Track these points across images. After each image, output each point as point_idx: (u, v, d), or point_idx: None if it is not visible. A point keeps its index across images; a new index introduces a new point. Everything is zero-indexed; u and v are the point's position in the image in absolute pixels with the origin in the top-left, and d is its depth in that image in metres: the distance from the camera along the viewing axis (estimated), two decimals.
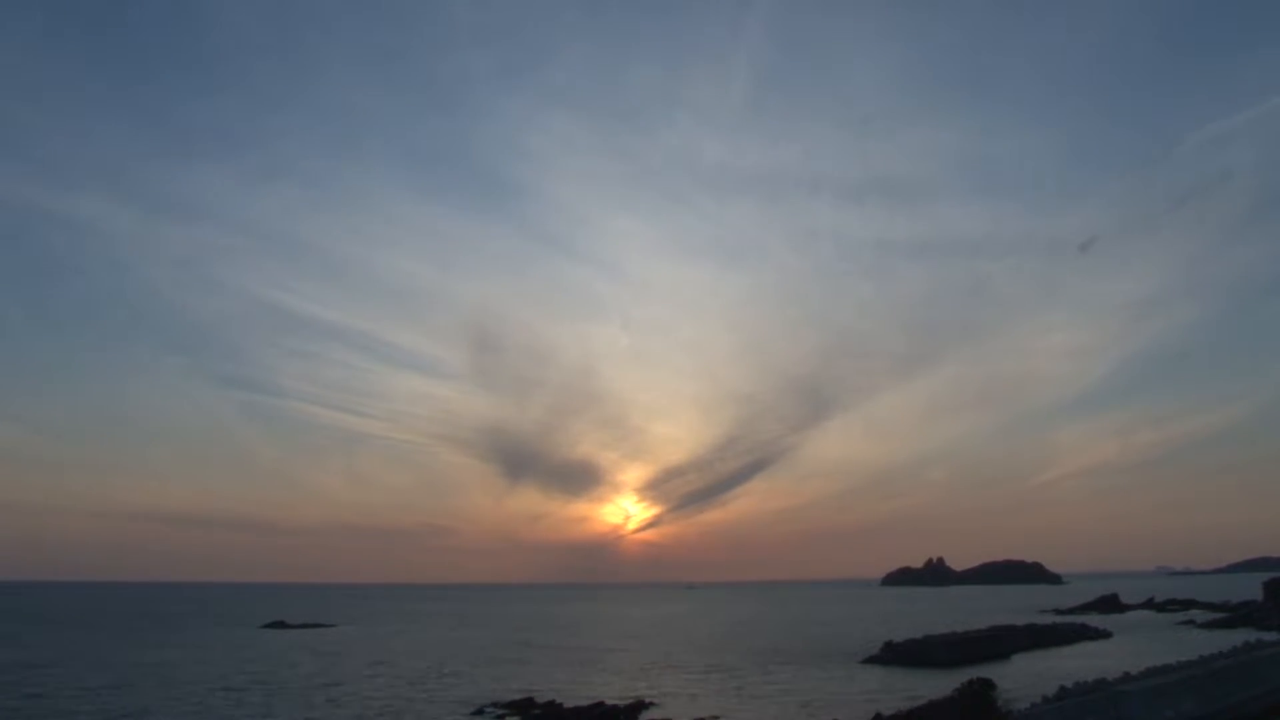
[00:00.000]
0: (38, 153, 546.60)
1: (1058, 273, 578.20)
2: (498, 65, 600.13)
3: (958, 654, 65.93)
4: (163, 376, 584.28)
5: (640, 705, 47.47)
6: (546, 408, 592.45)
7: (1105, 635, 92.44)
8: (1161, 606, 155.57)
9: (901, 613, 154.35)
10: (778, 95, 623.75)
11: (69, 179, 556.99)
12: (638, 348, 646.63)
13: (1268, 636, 68.93)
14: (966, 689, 30.45)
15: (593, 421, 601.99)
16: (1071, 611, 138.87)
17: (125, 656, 75.93)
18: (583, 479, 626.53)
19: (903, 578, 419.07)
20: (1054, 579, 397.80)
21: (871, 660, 68.56)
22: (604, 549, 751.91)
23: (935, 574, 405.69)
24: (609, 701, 48.13)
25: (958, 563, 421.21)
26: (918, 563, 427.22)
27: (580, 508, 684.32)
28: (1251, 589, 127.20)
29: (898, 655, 67.69)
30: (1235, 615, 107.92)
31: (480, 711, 46.64)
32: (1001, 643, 74.53)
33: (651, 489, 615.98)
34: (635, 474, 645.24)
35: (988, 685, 30.95)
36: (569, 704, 47.44)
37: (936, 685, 42.56)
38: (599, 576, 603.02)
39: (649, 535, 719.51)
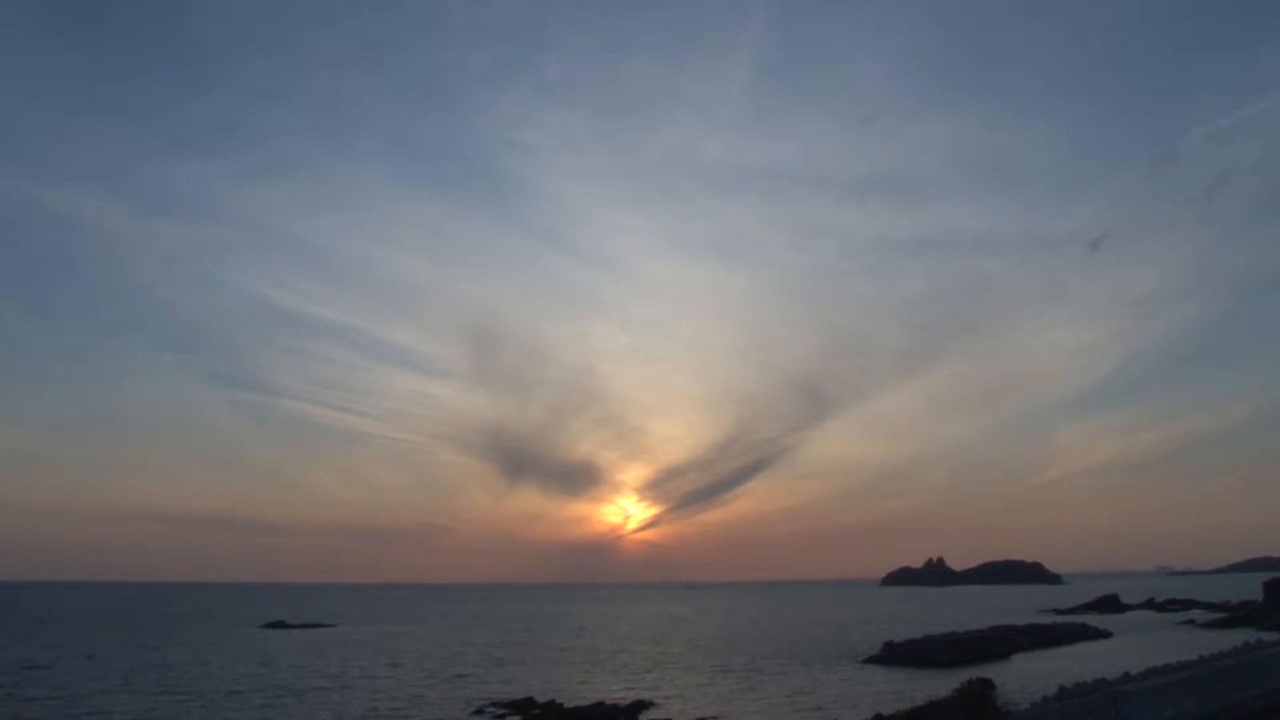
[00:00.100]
0: (30, 149, 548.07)
1: (1061, 270, 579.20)
2: (494, 60, 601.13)
3: (958, 654, 65.93)
4: (158, 375, 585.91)
5: (640, 705, 47.45)
6: (546, 407, 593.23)
7: (1105, 635, 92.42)
8: (1161, 606, 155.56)
9: (901, 613, 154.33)
10: (778, 91, 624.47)
11: (62, 175, 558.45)
12: (637, 346, 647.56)
13: (1268, 636, 68.96)
14: (966, 689, 30.41)
15: (592, 421, 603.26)
16: (1071, 611, 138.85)
17: (125, 658, 75.89)
18: (582, 478, 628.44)
19: (903, 578, 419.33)
20: (1054, 579, 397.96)
21: (871, 660, 68.56)
22: (604, 549, 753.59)
23: (935, 574, 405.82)
24: (609, 701, 48.12)
25: (958, 563, 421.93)
26: (918, 563, 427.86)
27: (580, 507, 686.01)
28: (1251, 589, 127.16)
29: (898, 655, 67.68)
30: (1235, 615, 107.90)
31: (480, 711, 46.63)
32: (1001, 643, 74.53)
33: (651, 489, 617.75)
34: (635, 473, 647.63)
35: (988, 685, 30.90)
36: (569, 704, 47.43)
37: (936, 685, 42.52)
38: (598, 576, 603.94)
39: (649, 535, 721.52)
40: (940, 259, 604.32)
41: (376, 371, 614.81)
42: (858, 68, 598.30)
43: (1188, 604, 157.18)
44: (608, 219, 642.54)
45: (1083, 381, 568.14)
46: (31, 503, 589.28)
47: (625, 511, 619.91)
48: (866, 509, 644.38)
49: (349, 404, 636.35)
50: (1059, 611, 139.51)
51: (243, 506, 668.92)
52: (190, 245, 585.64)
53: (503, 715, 45.85)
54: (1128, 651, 71.10)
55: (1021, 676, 53.45)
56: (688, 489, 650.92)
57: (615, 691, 52.80)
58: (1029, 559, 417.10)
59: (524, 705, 47.86)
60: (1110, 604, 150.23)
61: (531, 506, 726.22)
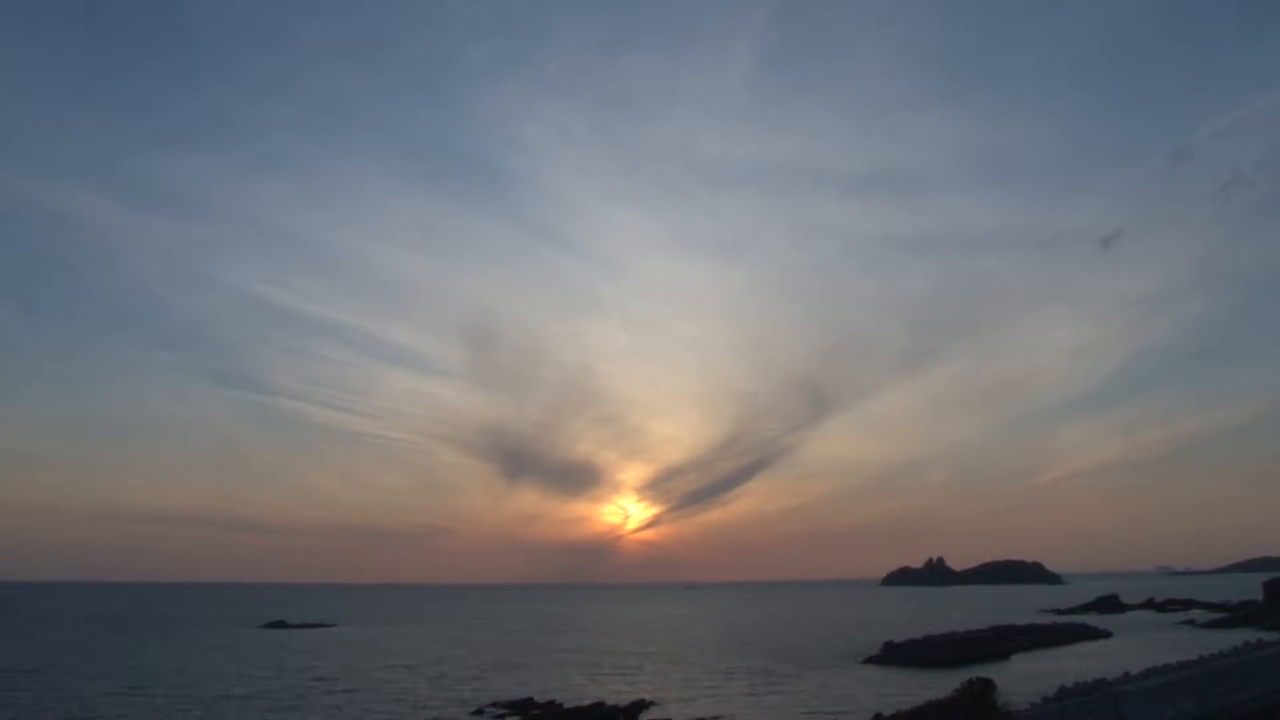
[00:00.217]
0: (23, 144, 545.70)
1: (1064, 268, 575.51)
2: (491, 54, 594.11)
3: (958, 654, 65.91)
4: (154, 374, 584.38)
5: (640, 705, 47.43)
6: (544, 406, 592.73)
7: (1105, 635, 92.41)
8: (1161, 606, 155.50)
9: (901, 613, 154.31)
10: (778, 85, 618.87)
11: (55, 171, 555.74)
12: (636, 345, 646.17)
13: (1268, 636, 68.97)
14: (966, 689, 30.41)
15: (591, 420, 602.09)
16: (1071, 611, 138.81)
17: (125, 659, 75.88)
18: (581, 478, 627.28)
19: (903, 578, 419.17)
20: (1054, 579, 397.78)
21: (871, 660, 68.51)
22: (603, 549, 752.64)
23: (935, 574, 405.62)
24: (609, 702, 48.11)
25: (958, 563, 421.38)
26: (918, 563, 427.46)
27: (579, 507, 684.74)
28: (1251, 589, 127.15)
29: (898, 655, 67.64)
30: (1235, 615, 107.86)
31: (480, 711, 46.60)
32: (1001, 643, 74.50)
33: (651, 488, 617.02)
34: (634, 473, 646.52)
35: (988, 685, 30.91)
36: (569, 704, 47.42)
37: (936, 685, 42.55)
38: (598, 577, 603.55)
39: (648, 535, 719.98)
40: (942, 256, 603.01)
41: (374, 370, 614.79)
42: (859, 61, 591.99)
43: (1188, 604, 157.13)
44: (606, 215, 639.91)
45: (1085, 381, 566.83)
46: (26, 502, 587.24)
47: (625, 511, 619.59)
48: (867, 509, 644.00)
49: (347, 403, 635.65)
50: (1059, 611, 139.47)
51: (241, 506, 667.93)
52: (185, 242, 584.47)
53: (503, 715, 45.81)
54: (1128, 651, 71.10)
55: (1021, 676, 53.43)
56: (687, 489, 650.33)
57: (615, 691, 52.78)
58: (1029, 559, 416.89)
59: (524, 705, 47.83)
60: (1110, 604, 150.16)
61: (531, 507, 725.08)
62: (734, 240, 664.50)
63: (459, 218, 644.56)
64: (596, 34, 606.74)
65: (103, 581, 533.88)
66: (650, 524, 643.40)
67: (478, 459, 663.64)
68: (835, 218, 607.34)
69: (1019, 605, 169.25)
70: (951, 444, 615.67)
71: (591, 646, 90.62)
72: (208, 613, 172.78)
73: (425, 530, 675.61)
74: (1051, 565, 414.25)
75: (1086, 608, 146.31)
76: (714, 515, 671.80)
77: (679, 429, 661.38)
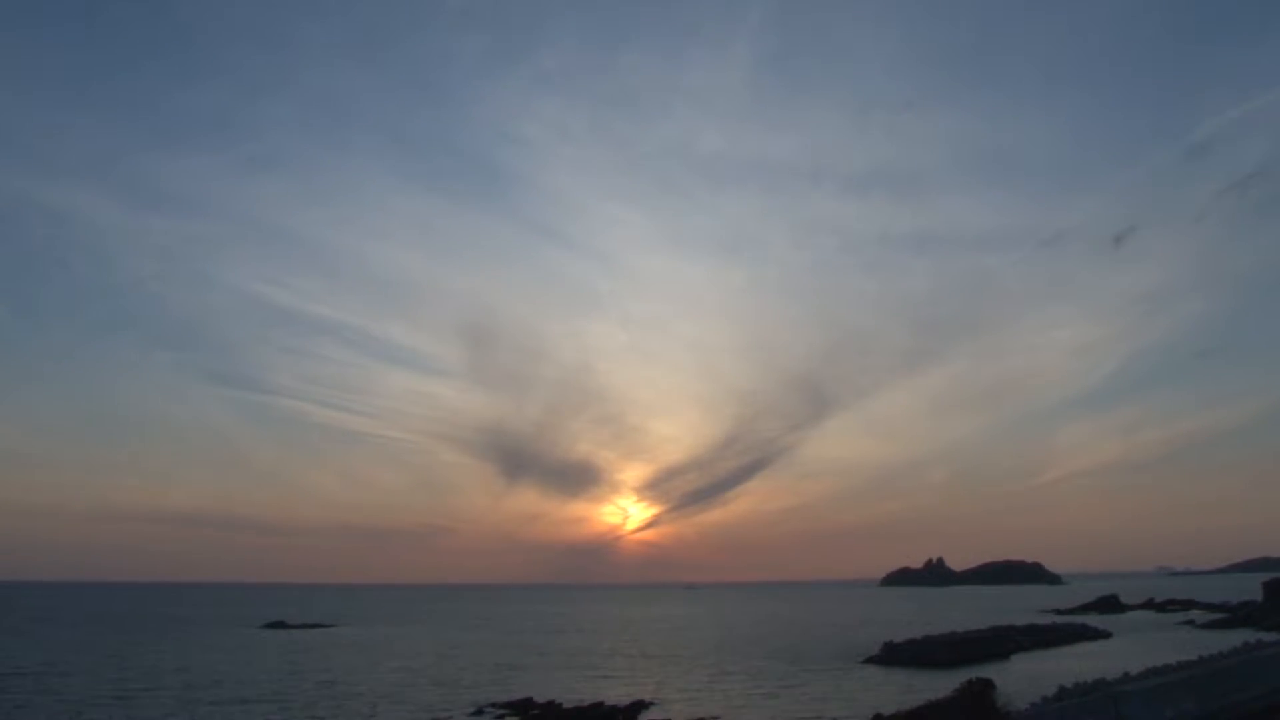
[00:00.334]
0: (20, 144, 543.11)
1: (1065, 267, 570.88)
2: (489, 51, 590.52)
3: (958, 654, 65.91)
4: (153, 373, 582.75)
5: (640, 705, 47.43)
6: (544, 405, 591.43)
7: (1105, 635, 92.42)
8: (1161, 606, 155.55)
9: (901, 613, 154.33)
10: (778, 82, 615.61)
11: (52, 170, 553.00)
12: (635, 344, 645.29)
13: (1268, 636, 68.86)
14: (966, 689, 30.42)
15: (591, 420, 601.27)
16: (1071, 611, 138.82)
17: (125, 659, 75.86)
18: (581, 478, 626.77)
19: (902, 578, 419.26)
20: (1054, 579, 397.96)
21: (871, 660, 68.51)
22: (603, 549, 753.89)
23: (935, 574, 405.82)
24: (609, 702, 48.11)
25: (958, 563, 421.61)
26: (918, 563, 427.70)
27: (579, 507, 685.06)
28: (1251, 589, 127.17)
29: (897, 655, 67.64)
30: (1235, 615, 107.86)
31: (480, 712, 46.59)
32: (1001, 643, 74.51)
33: (650, 488, 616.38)
34: (634, 473, 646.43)
35: (988, 685, 30.91)
36: (568, 704, 47.42)
37: (936, 685, 42.54)
38: (598, 577, 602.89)
39: (648, 535, 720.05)
40: (943, 255, 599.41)
41: (373, 370, 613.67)
42: (859, 58, 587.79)
43: (1188, 604, 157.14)
44: (605, 213, 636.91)
45: (1086, 380, 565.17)
46: (26, 502, 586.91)
47: (624, 511, 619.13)
48: (866, 509, 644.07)
49: (346, 403, 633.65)
50: (1059, 611, 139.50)
51: (240, 506, 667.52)
52: (183, 241, 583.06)
53: (502, 715, 45.80)
54: (1128, 651, 71.09)
55: (1021, 676, 53.39)
56: (687, 489, 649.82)
57: (615, 691, 52.77)
58: (1029, 559, 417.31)
59: (523, 705, 47.82)
60: (1110, 604, 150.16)
61: (530, 506, 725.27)
62: (734, 239, 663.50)
63: (458, 217, 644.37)
64: (594, 29, 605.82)
65: (102, 581, 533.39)
66: (650, 524, 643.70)
67: (477, 458, 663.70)
68: (835, 216, 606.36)
69: (1019, 605, 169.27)
70: (951, 444, 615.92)
71: (591, 646, 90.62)
72: (208, 613, 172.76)
73: (425, 530, 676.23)
74: (1051, 565, 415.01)
75: (1086, 608, 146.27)
76: (714, 515, 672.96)
77: (679, 429, 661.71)
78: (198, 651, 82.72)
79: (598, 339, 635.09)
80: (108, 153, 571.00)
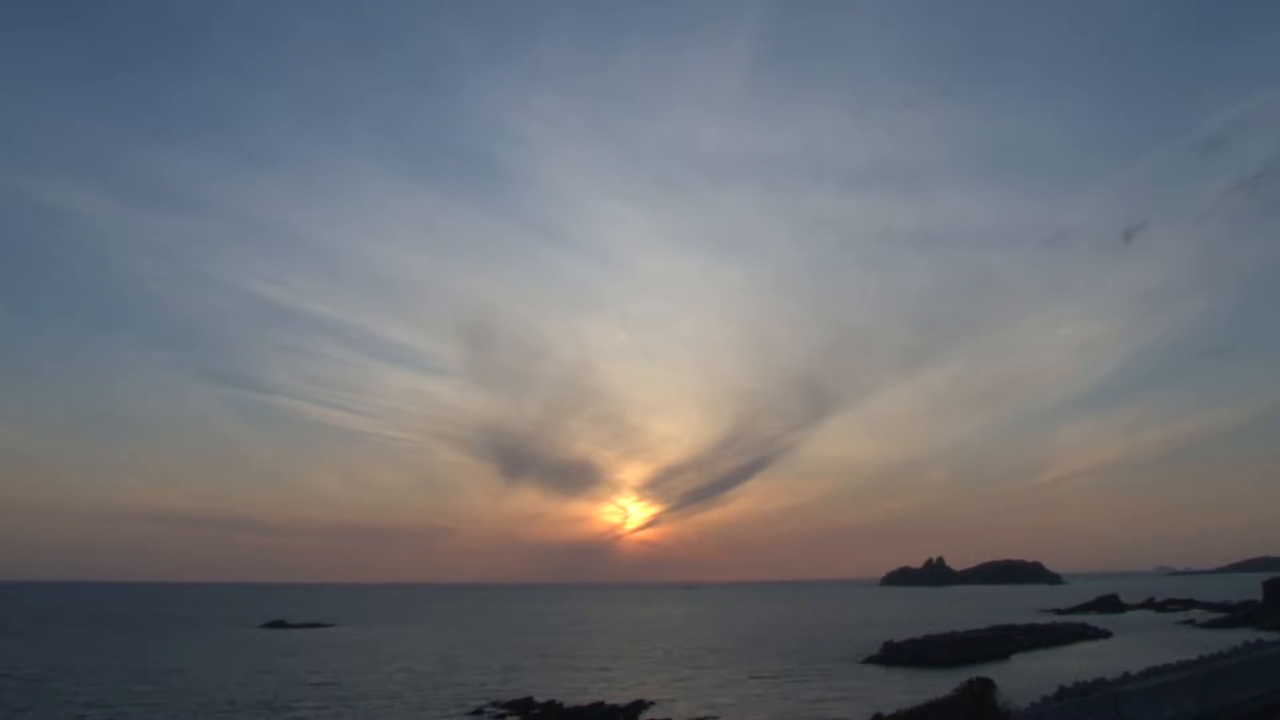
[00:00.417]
0: (16, 141, 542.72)
1: (1066, 265, 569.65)
2: (487, 46, 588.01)
3: (958, 654, 65.95)
4: (151, 372, 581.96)
5: (640, 705, 47.45)
6: (543, 405, 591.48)
7: (1105, 635, 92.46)
8: (1161, 606, 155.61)
9: (901, 613, 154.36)
10: (778, 78, 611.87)
11: (49, 168, 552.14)
12: (635, 343, 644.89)
13: (1268, 636, 68.87)
14: (966, 689, 30.39)
15: (590, 419, 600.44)
16: (1071, 611, 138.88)
17: (125, 659, 75.89)
18: (581, 478, 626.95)
19: (902, 578, 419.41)
20: (1054, 579, 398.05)
21: (871, 660, 68.57)
22: (602, 549, 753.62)
23: (935, 574, 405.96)
24: (609, 702, 48.12)
25: (958, 563, 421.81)
26: (918, 563, 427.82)
27: (578, 507, 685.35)
28: (1251, 589, 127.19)
29: (897, 655, 67.69)
30: (1235, 615, 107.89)
31: (480, 711, 46.60)
32: (1001, 643, 74.55)
33: (650, 488, 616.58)
34: (634, 473, 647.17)
35: (988, 685, 30.89)
36: (568, 704, 47.42)
37: (936, 685, 42.52)
38: (597, 576, 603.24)
39: (648, 535, 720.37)
40: (943, 252, 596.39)
41: (372, 369, 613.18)
42: (859, 54, 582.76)
43: (1188, 604, 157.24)
44: (604, 211, 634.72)
45: (1089, 378, 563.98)
46: (23, 501, 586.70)
47: (624, 511, 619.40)
48: (866, 508, 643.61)
49: (345, 402, 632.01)
50: (1059, 611, 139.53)
51: (240, 506, 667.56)
52: (181, 239, 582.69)
53: (502, 715, 45.82)
54: (1128, 651, 71.10)
55: (1021, 676, 53.40)
56: (687, 488, 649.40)
57: (615, 691, 52.78)
58: (1029, 559, 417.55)
59: (523, 705, 47.82)
60: (1110, 604, 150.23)
61: (530, 506, 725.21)
62: (733, 237, 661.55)
63: (457, 215, 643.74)
64: (592, 23, 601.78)
65: (103, 581, 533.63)
66: (650, 524, 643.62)
67: (476, 458, 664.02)
68: (835, 213, 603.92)
69: (1019, 605, 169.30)
70: (952, 443, 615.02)
71: (591, 646, 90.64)
72: (208, 613, 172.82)
73: (424, 529, 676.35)
74: (1051, 565, 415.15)
75: (1086, 608, 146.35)
76: (713, 515, 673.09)
77: (678, 428, 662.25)
78: (199, 652, 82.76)
79: (597, 338, 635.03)
80: (106, 151, 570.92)
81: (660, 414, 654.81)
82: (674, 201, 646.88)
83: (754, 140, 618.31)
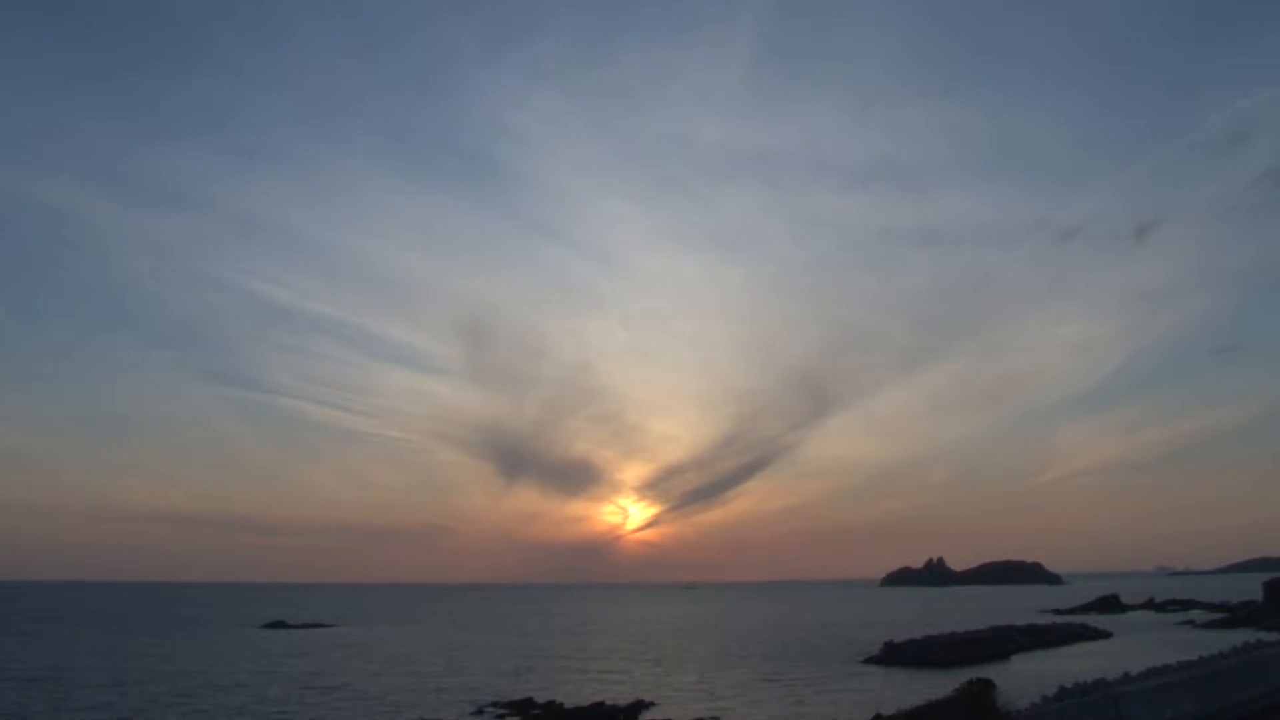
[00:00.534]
0: (14, 140, 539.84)
1: (1070, 264, 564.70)
2: (482, 40, 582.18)
3: (957, 654, 65.93)
4: (151, 372, 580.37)
5: (640, 705, 47.45)
6: (542, 404, 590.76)
7: (1105, 635, 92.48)
8: (1161, 606, 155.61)
9: (901, 613, 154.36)
10: (778, 73, 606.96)
11: (47, 167, 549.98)
12: (635, 342, 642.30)
13: (1268, 636, 68.91)
14: (966, 689, 30.43)
15: (590, 419, 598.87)
16: (1071, 611, 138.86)
17: (125, 660, 75.91)
18: (580, 478, 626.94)
19: (902, 578, 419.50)
20: (1054, 579, 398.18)
21: (871, 660, 68.57)
22: (602, 549, 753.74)
23: (935, 574, 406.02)
24: (609, 701, 48.14)
25: (958, 563, 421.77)
26: (918, 563, 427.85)
27: (578, 507, 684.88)
28: (1251, 589, 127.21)
29: (897, 655, 67.70)
30: (1235, 615, 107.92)
31: (480, 711, 46.62)
32: (1001, 643, 74.56)
33: (650, 488, 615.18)
34: (633, 472, 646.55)
35: (988, 685, 30.93)
36: (569, 704, 47.45)
37: (936, 685, 42.56)
38: (597, 577, 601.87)
39: (647, 535, 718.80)
40: (944, 250, 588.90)
41: (372, 368, 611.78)
42: (860, 49, 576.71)
43: (1188, 604, 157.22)
44: (603, 210, 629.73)
45: (1090, 377, 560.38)
46: (23, 501, 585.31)
47: (624, 511, 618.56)
48: (866, 508, 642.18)
49: (344, 402, 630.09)
50: (1059, 611, 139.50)
51: (240, 506, 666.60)
52: (180, 239, 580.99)
53: (502, 715, 45.83)
54: (1128, 651, 71.13)
55: (1021, 676, 53.43)
56: (687, 488, 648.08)
57: (615, 691, 52.79)
58: (1029, 559, 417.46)
59: (523, 705, 47.84)
60: (1110, 604, 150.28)
61: (529, 506, 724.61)
62: (733, 235, 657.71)
63: (456, 214, 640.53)
64: (589, 18, 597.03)
65: (103, 581, 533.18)
66: (649, 524, 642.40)
67: (475, 457, 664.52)
68: (835, 211, 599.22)
69: (1019, 605, 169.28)
70: (952, 442, 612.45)
71: (591, 646, 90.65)
72: (208, 613, 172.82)
73: (424, 529, 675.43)
74: (1051, 565, 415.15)
75: (1086, 608, 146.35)
76: (713, 515, 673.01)
77: (678, 427, 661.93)
78: (200, 652, 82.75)
79: (597, 337, 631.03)
80: (106, 151, 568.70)
81: (660, 413, 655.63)
82: (673, 200, 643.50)
83: (754, 138, 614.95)
